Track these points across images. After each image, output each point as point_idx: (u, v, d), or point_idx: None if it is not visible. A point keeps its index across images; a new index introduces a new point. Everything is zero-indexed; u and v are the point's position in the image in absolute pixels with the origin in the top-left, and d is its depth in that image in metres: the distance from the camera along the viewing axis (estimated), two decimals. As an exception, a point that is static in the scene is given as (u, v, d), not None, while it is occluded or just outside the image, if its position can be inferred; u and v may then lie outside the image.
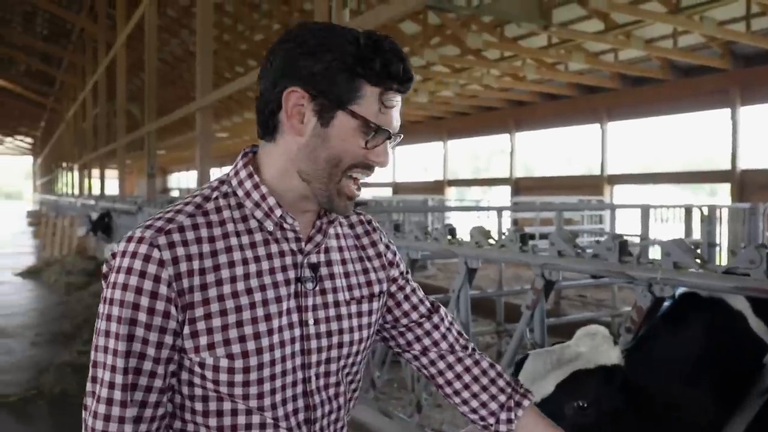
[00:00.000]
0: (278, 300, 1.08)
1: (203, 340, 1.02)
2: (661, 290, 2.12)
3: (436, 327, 1.33)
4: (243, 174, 1.11)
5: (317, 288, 1.13)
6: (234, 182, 1.11)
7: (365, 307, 1.21)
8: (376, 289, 1.24)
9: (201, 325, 1.02)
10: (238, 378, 1.04)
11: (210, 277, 1.03)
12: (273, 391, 1.08)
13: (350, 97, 1.03)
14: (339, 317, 1.16)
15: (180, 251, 1.02)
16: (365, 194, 23.52)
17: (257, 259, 1.08)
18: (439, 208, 10.23)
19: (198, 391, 1.06)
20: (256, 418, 1.07)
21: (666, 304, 2.29)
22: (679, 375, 1.72)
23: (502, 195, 18.69)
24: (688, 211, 8.64)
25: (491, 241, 3.01)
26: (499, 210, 7.50)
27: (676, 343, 1.82)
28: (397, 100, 1.08)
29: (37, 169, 47.45)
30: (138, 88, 14.89)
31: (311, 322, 1.12)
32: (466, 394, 1.30)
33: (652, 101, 13.96)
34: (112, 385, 1.00)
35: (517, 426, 1.27)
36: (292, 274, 1.10)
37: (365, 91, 1.04)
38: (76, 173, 24.73)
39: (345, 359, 1.18)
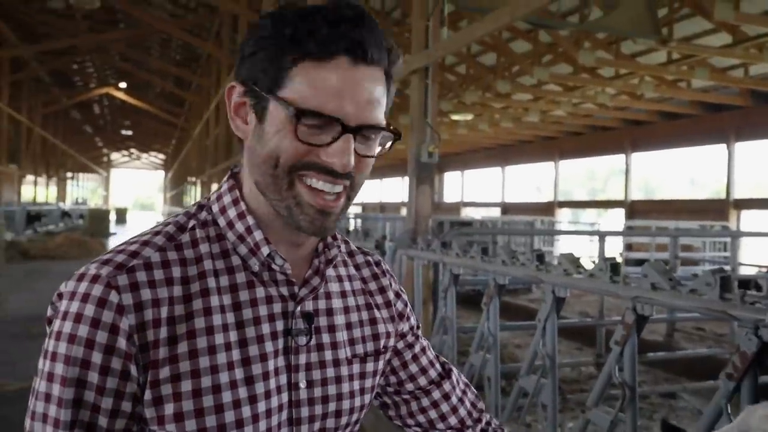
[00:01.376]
0: (263, 358, 0.87)
1: (169, 409, 0.80)
2: (768, 333, 1.88)
3: (447, 397, 1.11)
4: (227, 199, 0.91)
5: (312, 343, 0.92)
6: (215, 208, 0.91)
7: (370, 366, 1.00)
8: (383, 343, 1.02)
9: (167, 389, 0.80)
10: None
11: (180, 328, 0.82)
12: None
13: (278, 80, 0.81)
14: (338, 379, 0.94)
15: (145, 294, 0.81)
16: (473, 214, 23.42)
17: (237, 306, 0.86)
18: (545, 231, 9.84)
19: None
20: None
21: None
22: None
23: (617, 218, 17.80)
24: (828, 241, 7.76)
25: (581, 269, 2.83)
26: (602, 235, 7.07)
27: None
28: (344, 71, 0.80)
29: (168, 183, 51.21)
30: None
31: (303, 385, 0.91)
32: None
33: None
34: None
35: None
36: (281, 325, 0.89)
37: (296, 70, 0.80)
38: (199, 187, 26.39)
39: (342, 430, 0.96)
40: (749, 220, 14.36)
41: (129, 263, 0.82)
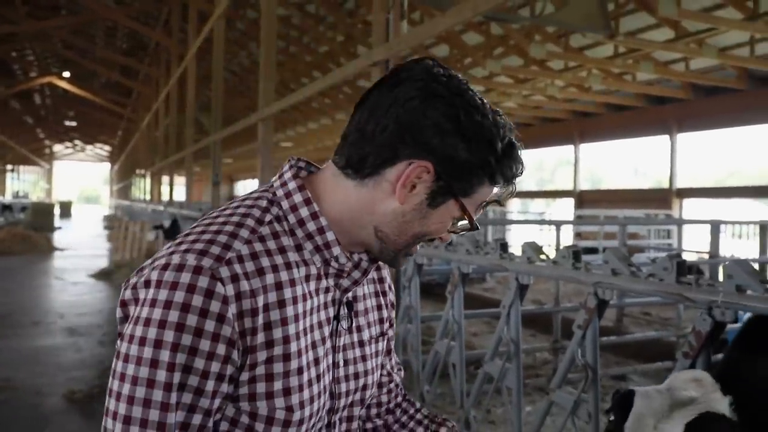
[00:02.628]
0: (323, 341, 0.98)
1: (261, 387, 0.90)
2: (722, 314, 2.01)
3: (390, 378, 1.25)
4: (297, 198, 0.98)
5: (350, 326, 1.05)
6: (285, 205, 0.98)
7: (381, 346, 1.13)
8: (386, 327, 1.15)
9: (261, 370, 0.89)
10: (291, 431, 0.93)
11: (275, 314, 0.90)
12: None
13: (467, 192, 0.95)
14: (364, 358, 1.07)
15: (244, 285, 0.87)
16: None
17: (310, 295, 0.96)
18: (499, 221, 10.04)
19: None
20: None
21: (731, 328, 2.16)
22: None
23: (566, 208, 18.28)
24: (763, 227, 8.20)
25: (543, 257, 2.94)
26: (558, 224, 7.28)
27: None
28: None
29: (114, 175, 49.76)
30: (208, 98, 15.41)
31: (342, 363, 1.03)
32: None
33: (727, 111, 13.35)
34: None
35: None
36: (331, 312, 1.00)
37: (481, 190, 0.96)
38: (148, 180, 25.77)
39: (366, 402, 1.10)
40: (690, 208, 15.00)
41: (226, 255, 0.88)
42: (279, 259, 0.93)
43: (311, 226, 0.97)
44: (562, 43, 11.28)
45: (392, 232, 0.97)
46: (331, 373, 1.00)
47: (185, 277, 0.84)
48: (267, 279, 0.90)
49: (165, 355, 0.82)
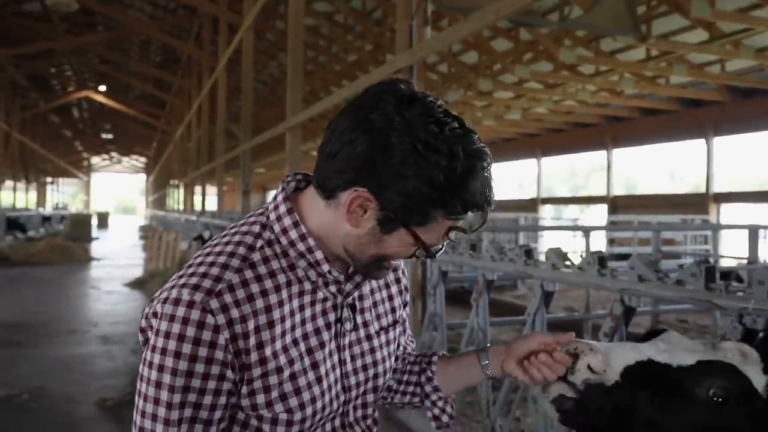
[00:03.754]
0: (322, 345, 1.09)
1: (260, 399, 1.02)
2: (753, 322, 1.93)
3: (405, 350, 1.39)
4: (287, 222, 1.07)
5: (354, 324, 1.16)
6: (276, 228, 1.07)
7: (392, 334, 1.23)
8: (398, 314, 1.26)
9: (258, 384, 1.02)
10: (296, 428, 1.06)
11: (265, 335, 1.01)
12: (315, 429, 1.10)
13: (420, 222, 0.99)
14: (372, 350, 1.18)
15: (234, 313, 0.99)
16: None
17: (302, 308, 1.07)
18: (530, 228, 9.91)
19: None
20: None
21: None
22: None
23: (600, 214, 17.98)
24: (805, 232, 7.93)
25: (569, 263, 2.88)
26: (587, 230, 7.15)
27: None
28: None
29: (149, 186, 50.74)
30: (238, 109, 15.61)
31: (349, 359, 1.14)
32: (397, 388, 1.36)
33: (765, 114, 12.99)
34: None
35: (437, 379, 1.32)
36: (332, 317, 1.11)
37: (438, 220, 1.00)
38: (182, 190, 26.20)
39: (381, 389, 1.22)
40: (728, 213, 14.60)
41: (216, 288, 0.99)
42: (269, 283, 1.03)
43: (301, 246, 1.07)
44: (592, 48, 11.13)
45: (355, 251, 1.06)
46: (338, 370, 1.12)
47: (180, 311, 0.97)
48: (257, 304, 1.01)
49: (166, 378, 0.97)
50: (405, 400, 1.36)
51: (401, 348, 1.37)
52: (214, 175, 15.54)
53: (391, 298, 1.25)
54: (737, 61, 10.97)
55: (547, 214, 20.21)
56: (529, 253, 3.11)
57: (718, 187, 14.70)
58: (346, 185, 0.99)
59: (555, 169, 20.91)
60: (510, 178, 22.86)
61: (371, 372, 1.17)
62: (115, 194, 76.21)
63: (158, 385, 0.97)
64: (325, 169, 1.02)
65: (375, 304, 1.21)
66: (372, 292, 1.21)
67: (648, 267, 2.35)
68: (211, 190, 20.98)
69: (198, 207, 19.30)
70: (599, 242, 12.03)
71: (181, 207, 25.18)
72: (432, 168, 0.95)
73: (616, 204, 17.36)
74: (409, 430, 3.15)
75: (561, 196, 21.14)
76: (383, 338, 1.20)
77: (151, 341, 0.99)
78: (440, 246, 1.06)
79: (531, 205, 20.45)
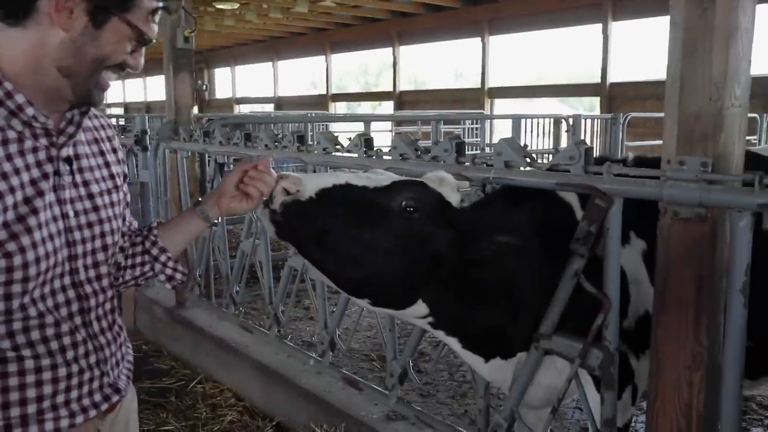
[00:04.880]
0: (40, 194, 1.07)
1: None
2: (493, 189, 2.09)
3: (129, 227, 1.42)
4: None
5: (72, 181, 1.15)
6: None
7: (115, 197, 1.26)
8: (118, 181, 1.28)
9: None
10: (17, 275, 1.03)
11: None
12: (44, 283, 1.09)
13: (128, 6, 1.05)
14: (95, 208, 1.19)
15: None
16: (244, 109, 22.67)
17: (10, 157, 1.04)
18: (318, 119, 9.95)
19: None
20: (32, 311, 1.08)
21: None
22: (508, 247, 1.69)
23: (389, 110, 18.59)
24: (557, 122, 8.95)
25: (339, 147, 2.88)
26: (368, 120, 7.35)
27: (508, 213, 1.85)
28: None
29: None
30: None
31: (72, 214, 1.14)
32: (126, 263, 1.38)
33: (533, 14, 14.11)
34: None
35: (161, 242, 1.38)
36: (49, 168, 1.10)
37: (141, 2, 1.07)
38: None
39: (111, 248, 1.23)
40: (501, 107, 15.95)
41: None
42: None
43: None
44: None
45: (72, 62, 1.05)
46: (60, 223, 1.11)
47: None
48: None
49: None
50: (137, 273, 1.37)
51: (126, 223, 1.38)
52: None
53: (108, 165, 1.26)
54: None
55: (339, 111, 20.41)
56: (301, 139, 3.06)
57: (492, 83, 15.90)
58: None
59: (346, 66, 20.96)
60: (301, 76, 22.50)
61: (97, 229, 1.19)
62: None
63: None
64: None
65: (92, 168, 1.21)
66: (87, 156, 1.21)
67: (408, 146, 2.42)
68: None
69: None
70: (385, 136, 12.48)
71: None
72: None
73: (403, 100, 18.05)
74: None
75: (351, 92, 21.37)
76: (106, 199, 1.22)
77: None
78: (152, 33, 1.11)
79: (321, 102, 20.47)
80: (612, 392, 1.70)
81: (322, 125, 9.21)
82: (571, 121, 7.79)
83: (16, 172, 1.04)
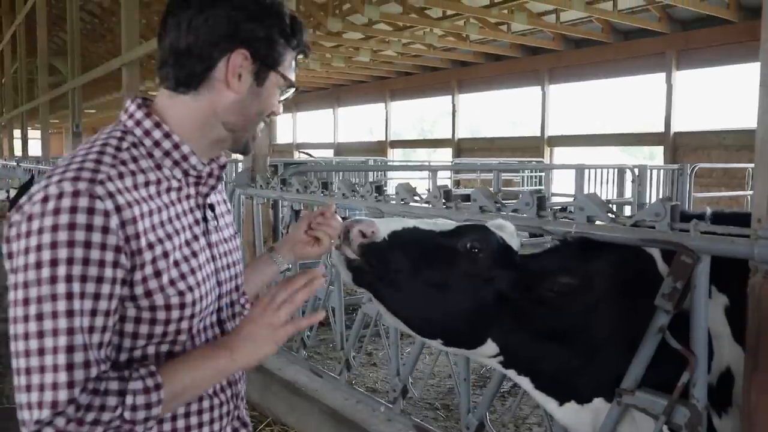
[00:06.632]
0: (196, 238, 1.17)
1: (153, 284, 1.06)
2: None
3: None
4: (147, 124, 1.13)
5: (217, 225, 1.26)
6: (138, 132, 1.13)
7: (237, 242, 1.36)
8: (234, 227, 1.39)
9: (149, 270, 1.05)
10: (187, 312, 1.12)
11: (147, 223, 1.06)
12: (201, 320, 1.18)
13: (280, 60, 1.18)
14: (230, 251, 1.29)
15: (120, 200, 1.01)
16: (306, 157, 23.19)
17: (173, 203, 1.14)
18: (378, 168, 10.15)
19: (143, 329, 1.09)
20: (188, 345, 1.16)
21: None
22: (575, 289, 1.72)
23: (446, 157, 18.72)
24: (621, 171, 8.84)
25: (417, 198, 2.96)
26: (432, 170, 7.45)
27: (580, 258, 1.84)
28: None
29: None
30: (63, 42, 14.04)
31: (218, 256, 1.24)
32: None
33: (594, 63, 14.12)
34: (70, 349, 0.95)
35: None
36: (198, 214, 1.20)
37: (288, 55, 1.19)
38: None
39: (241, 288, 1.33)
40: (560, 156, 15.85)
41: (97, 177, 1.01)
42: (142, 178, 1.08)
43: (167, 144, 1.13)
44: (439, -9, 11.34)
45: (237, 119, 1.18)
46: (212, 265, 1.21)
47: (66, 202, 0.96)
48: (136, 194, 1.05)
49: (62, 270, 0.94)
50: None
51: None
52: (37, 117, 14.02)
53: (229, 212, 1.38)
54: (571, 11, 11.73)
55: (396, 157, 20.68)
56: (379, 189, 3.17)
57: (551, 132, 15.87)
58: (216, 60, 1.12)
59: (403, 113, 21.33)
60: (360, 122, 22.99)
61: (233, 271, 1.29)
62: None
63: (53, 279, 0.94)
64: (185, 64, 1.12)
65: (222, 214, 1.31)
66: (218, 203, 1.31)
67: (488, 199, 2.48)
68: (33, 134, 18.96)
69: (18, 152, 17.39)
70: (445, 184, 12.60)
71: None
72: (278, 12, 1.16)
73: (461, 147, 18.18)
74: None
75: (408, 139, 21.65)
76: (234, 243, 1.32)
77: (31, 243, 0.95)
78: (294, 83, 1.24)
79: (380, 149, 20.81)
80: (700, 452, 1.68)
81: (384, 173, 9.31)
82: (636, 171, 7.69)
83: (178, 217, 1.14)
